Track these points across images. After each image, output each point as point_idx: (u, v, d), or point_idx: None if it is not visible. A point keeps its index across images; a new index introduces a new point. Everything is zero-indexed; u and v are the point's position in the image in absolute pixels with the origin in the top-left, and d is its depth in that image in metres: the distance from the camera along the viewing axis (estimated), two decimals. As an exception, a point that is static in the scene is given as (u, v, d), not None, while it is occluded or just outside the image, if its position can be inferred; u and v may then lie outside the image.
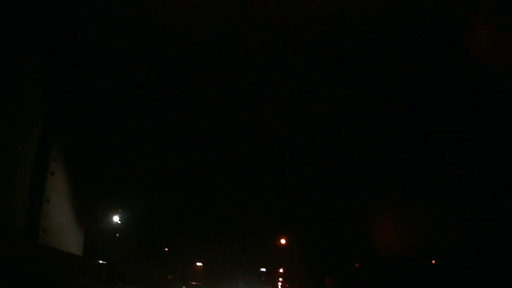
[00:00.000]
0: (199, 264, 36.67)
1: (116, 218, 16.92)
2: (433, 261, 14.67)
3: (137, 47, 11.42)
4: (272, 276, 41.81)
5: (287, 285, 36.29)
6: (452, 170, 13.50)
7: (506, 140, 11.91)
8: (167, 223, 25.00)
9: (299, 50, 12.09)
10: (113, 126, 14.38)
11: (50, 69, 10.29)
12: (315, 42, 11.68)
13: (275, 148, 18.12)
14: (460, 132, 12.94)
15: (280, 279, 40.83)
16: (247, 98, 14.69)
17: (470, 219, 12.98)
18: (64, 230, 11.40)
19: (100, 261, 14.41)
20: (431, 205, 14.44)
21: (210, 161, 19.61)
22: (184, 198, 23.75)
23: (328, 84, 13.38)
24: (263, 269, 41.68)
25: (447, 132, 13.24)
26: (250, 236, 32.62)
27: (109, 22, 10.29)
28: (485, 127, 12.21)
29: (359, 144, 15.95)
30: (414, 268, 15.88)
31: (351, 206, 19.46)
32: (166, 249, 28.54)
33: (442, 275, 14.36)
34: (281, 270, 39.50)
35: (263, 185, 23.18)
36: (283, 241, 28.20)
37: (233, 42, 11.70)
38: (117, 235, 16.77)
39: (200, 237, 30.92)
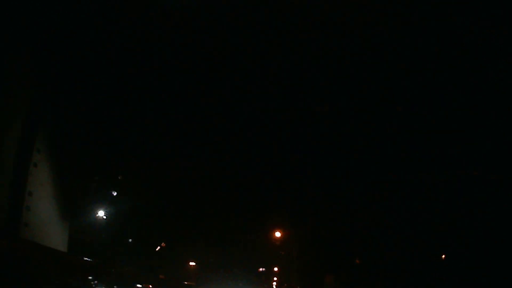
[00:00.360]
0: (192, 263, 36.36)
1: (103, 214, 16.42)
2: (443, 256, 14.64)
3: (124, 39, 11.18)
4: (270, 275, 41.53)
5: (285, 284, 35.95)
6: (452, 170, 13.56)
7: (506, 140, 11.88)
8: (160, 221, 24.54)
9: (299, 50, 12.08)
10: (102, 115, 13.91)
11: (35, 56, 9.88)
12: (315, 42, 11.70)
13: (274, 147, 18.11)
14: (460, 132, 13.03)
15: (275, 278, 40.56)
16: (242, 95, 14.59)
17: (470, 219, 12.96)
18: (48, 225, 10.90)
19: (85, 258, 13.91)
20: (431, 205, 14.46)
21: (209, 156, 19.36)
22: (178, 194, 23.27)
23: (328, 84, 13.43)
24: (263, 269, 41.33)
25: (447, 132, 13.33)
26: (248, 235, 32.37)
27: (94, 14, 10.05)
28: (485, 127, 12.30)
29: (358, 143, 16.03)
30: (414, 267, 15.83)
31: (351, 203, 19.46)
32: (158, 247, 28.10)
33: (442, 274, 14.31)
34: (275, 269, 39.19)
35: (261, 182, 23.05)
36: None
37: (231, 42, 11.69)
38: (103, 235, 16.33)
39: (194, 236, 30.56)
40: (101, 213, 16.53)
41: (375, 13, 10.49)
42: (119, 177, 18.31)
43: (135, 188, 19.29)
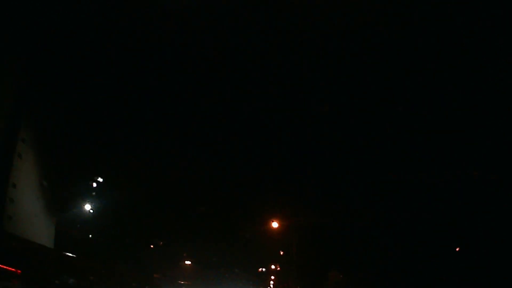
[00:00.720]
0: (188, 262, 36.09)
1: (92, 209, 16.00)
2: (457, 249, 14.53)
3: (118, 33, 10.97)
4: (269, 275, 41.20)
5: (285, 284, 35.61)
6: (452, 170, 13.43)
7: (506, 140, 11.84)
8: (154, 218, 24.13)
9: (298, 50, 12.05)
10: (92, 104, 13.48)
11: (21, 46, 9.63)
12: (315, 42, 11.68)
13: (274, 146, 17.98)
14: (460, 132, 12.98)
15: (272, 277, 40.13)
16: (241, 94, 14.45)
17: (470, 219, 12.80)
18: (33, 219, 10.59)
19: (73, 255, 13.53)
20: (431, 205, 14.30)
21: (207, 154, 19.11)
22: (174, 190, 22.87)
23: (328, 84, 13.35)
24: (263, 269, 41.02)
25: (447, 132, 13.28)
26: (248, 234, 32.03)
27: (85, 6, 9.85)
28: (485, 127, 12.30)
29: (358, 143, 15.95)
30: (414, 266, 15.65)
31: (351, 202, 19.29)
32: (152, 245, 27.73)
33: (443, 274, 14.13)
34: (272, 267, 38.73)
35: (260, 182, 22.81)
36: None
37: (231, 42, 11.63)
38: (90, 235, 15.98)
39: (191, 234, 30.23)
40: (89, 208, 16.07)
41: (375, 13, 10.52)
42: (120, 179, 17.98)
43: (129, 184, 18.91)
